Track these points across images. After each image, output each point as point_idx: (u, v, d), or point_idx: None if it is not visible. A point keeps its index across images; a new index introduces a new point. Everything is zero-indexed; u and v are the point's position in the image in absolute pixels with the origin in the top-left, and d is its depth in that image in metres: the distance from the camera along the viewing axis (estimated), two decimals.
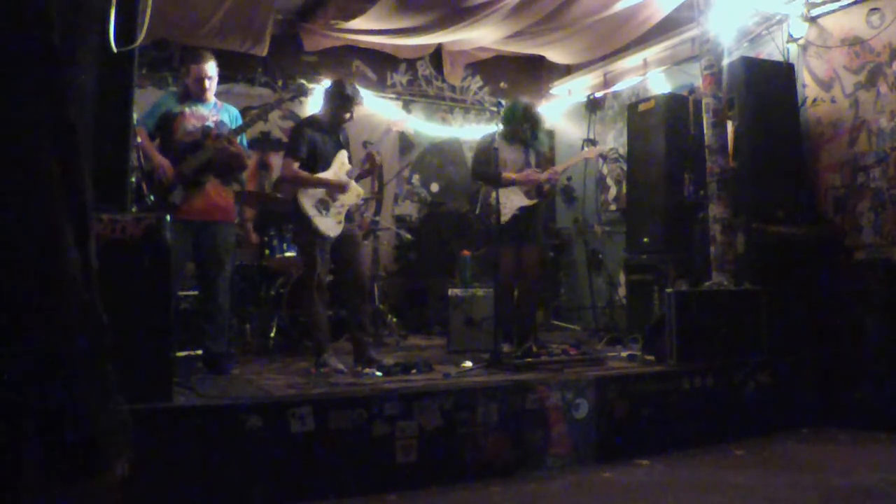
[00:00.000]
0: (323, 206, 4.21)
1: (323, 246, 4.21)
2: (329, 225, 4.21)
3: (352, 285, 4.36)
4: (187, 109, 4.11)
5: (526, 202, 4.91)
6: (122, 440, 0.95)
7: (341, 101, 4.30)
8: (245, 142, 4.32)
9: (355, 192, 4.38)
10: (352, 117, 4.39)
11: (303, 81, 4.38)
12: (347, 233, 4.33)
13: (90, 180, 1.01)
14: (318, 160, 4.27)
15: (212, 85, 4.17)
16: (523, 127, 4.99)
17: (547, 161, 5.17)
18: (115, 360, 0.97)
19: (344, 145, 4.43)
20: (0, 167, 0.88)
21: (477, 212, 5.05)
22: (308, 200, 4.19)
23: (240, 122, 4.27)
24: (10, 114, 0.90)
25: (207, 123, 4.12)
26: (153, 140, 4.05)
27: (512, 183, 4.87)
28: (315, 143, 4.26)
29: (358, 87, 4.52)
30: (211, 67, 4.14)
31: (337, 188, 4.26)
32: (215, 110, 4.21)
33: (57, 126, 0.95)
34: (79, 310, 0.96)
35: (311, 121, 4.43)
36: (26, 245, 0.91)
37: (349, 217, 4.38)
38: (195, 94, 4.15)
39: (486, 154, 4.85)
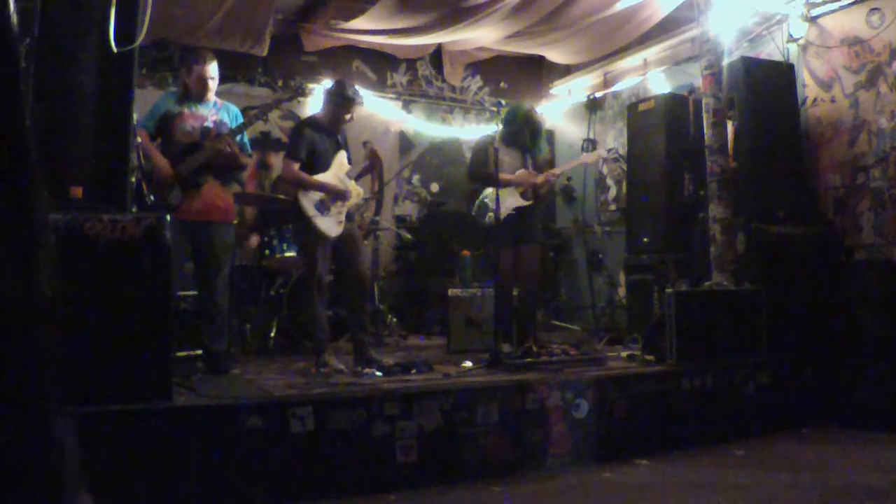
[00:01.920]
0: (323, 206, 4.21)
1: (324, 245, 4.22)
2: (329, 225, 4.21)
3: (353, 285, 4.36)
4: (186, 110, 4.11)
5: (521, 203, 4.90)
6: (73, 480, 0.90)
7: (342, 101, 4.30)
8: (247, 139, 4.32)
9: (355, 193, 4.39)
10: (352, 118, 4.40)
11: (302, 82, 4.38)
12: (348, 232, 4.33)
13: (43, 192, 0.93)
14: (318, 161, 4.27)
15: (213, 85, 4.17)
16: (523, 131, 4.98)
17: (545, 165, 5.16)
18: (60, 394, 0.90)
19: (343, 146, 4.44)
20: None
21: (473, 212, 5.05)
22: (308, 201, 4.19)
23: (240, 119, 4.28)
24: None
25: (206, 124, 4.12)
26: (154, 141, 4.05)
27: (508, 184, 4.87)
28: (314, 143, 4.27)
29: (358, 87, 4.52)
30: (213, 68, 4.14)
31: (337, 195, 4.25)
32: (215, 109, 4.21)
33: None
34: (11, 344, 0.88)
35: (311, 121, 4.43)
36: None
37: (349, 217, 4.39)
38: (196, 94, 4.14)
39: (483, 155, 4.85)
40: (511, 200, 4.87)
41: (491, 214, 4.74)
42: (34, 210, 0.89)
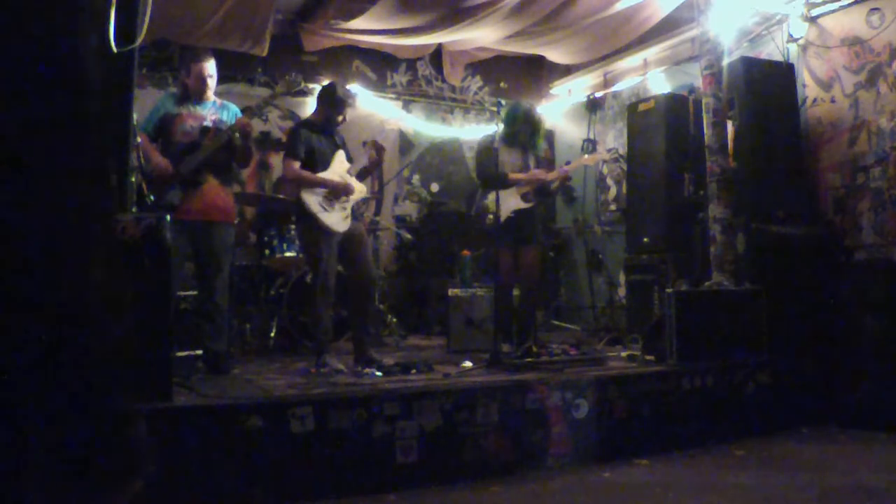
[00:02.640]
0: (327, 202, 4.22)
1: (329, 244, 4.21)
2: (336, 220, 4.22)
3: (357, 284, 4.36)
4: (185, 110, 4.11)
5: (521, 205, 4.88)
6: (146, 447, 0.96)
7: (333, 103, 4.33)
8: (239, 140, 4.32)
9: (358, 189, 4.39)
10: (344, 119, 4.41)
11: (297, 75, 4.38)
12: (353, 231, 4.34)
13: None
14: (317, 161, 4.28)
15: (212, 83, 4.18)
16: (523, 130, 4.98)
17: (546, 164, 5.16)
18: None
19: (340, 146, 4.45)
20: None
21: (473, 213, 5.04)
22: (312, 198, 4.20)
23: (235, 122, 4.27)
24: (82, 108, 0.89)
25: (205, 123, 4.12)
26: (154, 143, 4.05)
27: (518, 183, 4.86)
28: (311, 143, 4.28)
29: (356, 87, 4.53)
30: (211, 66, 4.15)
31: (341, 189, 4.26)
32: (214, 109, 4.21)
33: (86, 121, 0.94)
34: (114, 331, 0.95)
35: (306, 123, 4.47)
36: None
37: (354, 215, 4.39)
38: (195, 93, 4.15)
39: (487, 156, 4.85)
40: (511, 202, 4.86)
41: (491, 216, 4.73)
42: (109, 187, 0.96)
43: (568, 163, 5.44)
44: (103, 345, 0.90)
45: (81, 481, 0.86)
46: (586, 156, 6.32)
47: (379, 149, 4.44)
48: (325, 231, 4.18)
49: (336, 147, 4.41)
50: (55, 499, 0.84)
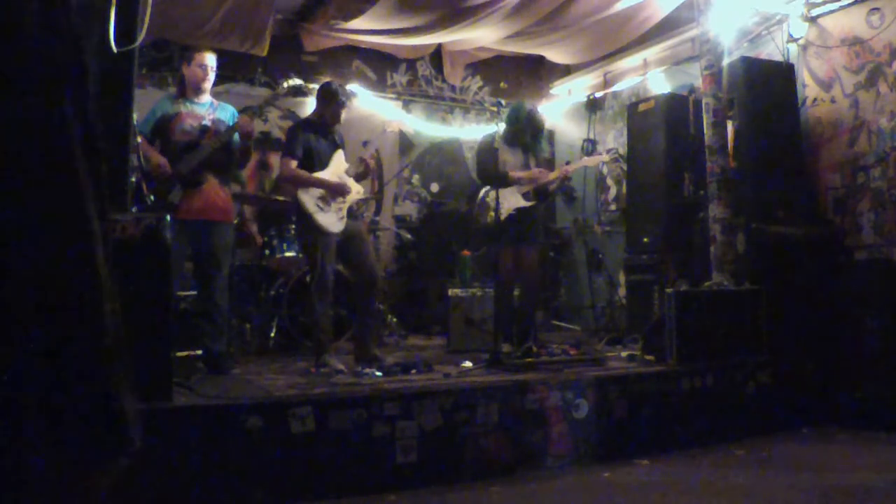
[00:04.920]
0: (324, 202, 4.22)
1: (326, 243, 4.21)
2: (331, 221, 4.21)
3: (360, 283, 4.36)
4: (184, 109, 4.11)
5: (523, 203, 4.88)
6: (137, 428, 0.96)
7: (329, 103, 4.34)
8: (238, 140, 4.32)
9: (355, 189, 4.39)
10: (339, 119, 4.41)
11: (300, 81, 4.38)
12: (353, 231, 4.34)
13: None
14: (315, 161, 4.29)
15: (211, 76, 4.19)
16: (525, 131, 4.97)
17: (547, 165, 5.16)
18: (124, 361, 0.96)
19: (340, 145, 4.45)
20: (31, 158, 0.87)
21: (473, 211, 5.04)
22: (309, 198, 4.20)
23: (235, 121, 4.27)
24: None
25: (205, 122, 4.12)
26: (152, 144, 4.06)
27: (518, 182, 4.86)
28: (309, 142, 4.29)
29: (356, 87, 4.54)
30: (211, 58, 4.17)
31: (337, 190, 4.26)
32: (212, 109, 4.21)
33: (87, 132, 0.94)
34: (109, 317, 0.96)
35: (305, 122, 4.48)
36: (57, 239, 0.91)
37: (351, 213, 4.38)
38: (193, 87, 4.15)
39: (488, 155, 4.84)
40: (513, 200, 4.86)
41: (491, 214, 4.73)
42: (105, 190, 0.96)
43: (568, 163, 5.44)
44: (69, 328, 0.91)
45: (59, 455, 0.87)
46: (586, 157, 6.33)
47: (367, 168, 4.46)
48: (320, 231, 4.18)
49: (335, 147, 4.41)
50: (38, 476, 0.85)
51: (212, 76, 4.20)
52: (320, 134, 4.36)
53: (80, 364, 0.89)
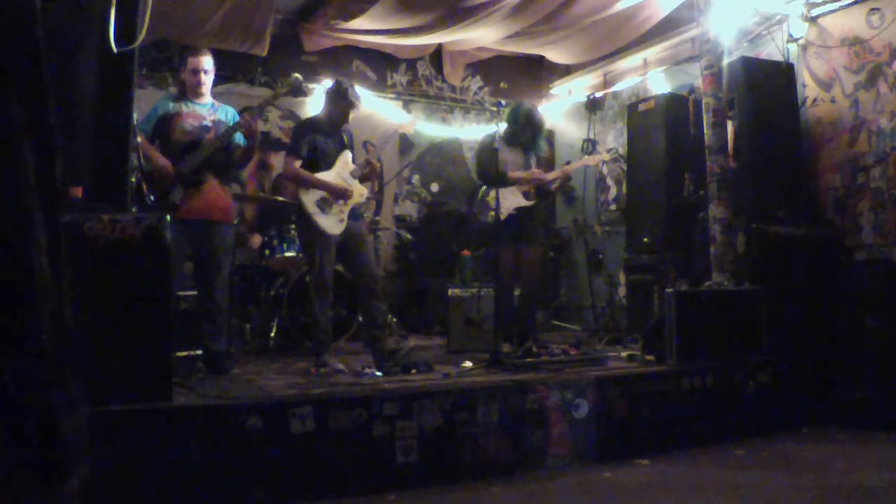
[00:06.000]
0: (325, 203, 4.21)
1: (325, 244, 4.20)
2: (330, 223, 4.20)
3: (362, 283, 4.34)
4: (184, 109, 4.11)
5: (523, 203, 4.88)
6: (84, 445, 0.94)
7: (340, 102, 4.30)
8: (241, 139, 4.31)
9: (358, 192, 4.36)
10: (347, 119, 4.38)
11: (298, 76, 4.36)
12: (353, 231, 4.31)
13: (60, 181, 0.98)
14: (321, 161, 4.26)
15: (207, 79, 4.18)
16: (525, 130, 4.97)
17: (547, 164, 5.16)
18: (81, 369, 0.94)
19: (347, 146, 4.42)
20: None
21: (474, 210, 5.03)
22: (310, 199, 4.19)
23: (238, 120, 4.27)
24: None
25: (205, 122, 4.12)
26: (152, 143, 4.05)
27: (518, 182, 4.86)
28: (316, 142, 4.26)
29: (357, 87, 4.52)
30: (207, 61, 4.15)
31: (338, 193, 4.24)
32: (212, 110, 4.20)
33: (35, 124, 0.92)
34: (46, 319, 0.92)
35: (312, 121, 4.44)
36: None
37: (353, 214, 4.35)
38: (191, 89, 4.15)
39: (487, 154, 4.84)
40: (513, 200, 4.86)
41: (492, 213, 4.73)
42: (57, 194, 0.93)
43: (568, 163, 5.44)
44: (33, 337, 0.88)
45: (13, 479, 0.85)
46: (586, 156, 6.33)
47: (373, 169, 4.45)
48: (319, 232, 4.17)
49: (342, 147, 4.38)
50: None
51: (207, 78, 4.18)
52: (327, 134, 4.33)
53: (6, 373, 0.86)
